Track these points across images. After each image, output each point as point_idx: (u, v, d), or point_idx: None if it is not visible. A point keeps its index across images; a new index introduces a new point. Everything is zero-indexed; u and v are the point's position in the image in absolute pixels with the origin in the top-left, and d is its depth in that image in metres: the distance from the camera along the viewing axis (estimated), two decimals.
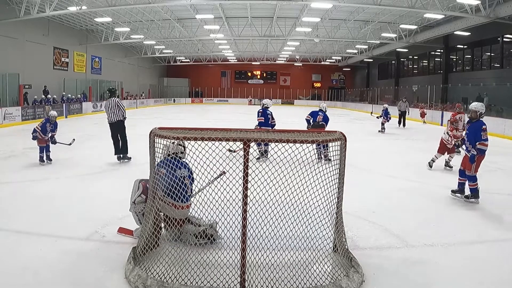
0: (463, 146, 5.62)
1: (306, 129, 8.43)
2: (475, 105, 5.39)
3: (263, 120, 8.31)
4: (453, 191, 5.56)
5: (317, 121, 8.57)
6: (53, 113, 7.90)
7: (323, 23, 22.99)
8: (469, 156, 5.24)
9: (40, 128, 7.52)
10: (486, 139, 5.14)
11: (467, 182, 5.37)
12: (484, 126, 5.21)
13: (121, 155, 7.79)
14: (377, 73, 37.58)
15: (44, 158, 7.50)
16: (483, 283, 3.08)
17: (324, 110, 8.78)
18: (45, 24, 20.97)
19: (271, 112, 8.46)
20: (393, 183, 6.54)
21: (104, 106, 8.80)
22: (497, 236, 4.11)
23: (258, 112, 8.51)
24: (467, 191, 5.39)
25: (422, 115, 19.78)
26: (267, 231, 3.06)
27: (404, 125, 17.17)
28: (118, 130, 7.74)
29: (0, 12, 16.97)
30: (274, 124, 8.44)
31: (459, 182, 5.52)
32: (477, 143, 5.14)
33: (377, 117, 15.02)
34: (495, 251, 3.73)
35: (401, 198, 5.56)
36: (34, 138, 7.56)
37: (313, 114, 8.71)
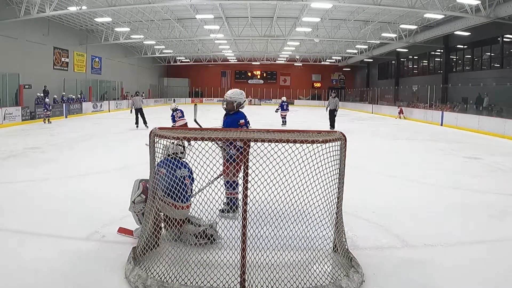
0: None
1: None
2: (230, 93, 4.19)
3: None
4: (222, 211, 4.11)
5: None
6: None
7: (323, 23, 22.96)
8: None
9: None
10: None
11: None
12: (242, 121, 3.98)
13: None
14: (377, 73, 37.52)
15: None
16: (483, 283, 3.08)
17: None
18: (45, 24, 20.94)
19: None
20: (393, 183, 6.54)
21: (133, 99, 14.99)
22: (497, 236, 4.11)
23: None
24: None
25: (401, 111, 23.25)
26: (267, 231, 3.06)
27: (333, 126, 14.65)
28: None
29: (0, 12, 16.96)
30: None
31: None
32: None
33: (275, 111, 15.89)
34: (495, 251, 3.72)
35: (401, 198, 5.55)
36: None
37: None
